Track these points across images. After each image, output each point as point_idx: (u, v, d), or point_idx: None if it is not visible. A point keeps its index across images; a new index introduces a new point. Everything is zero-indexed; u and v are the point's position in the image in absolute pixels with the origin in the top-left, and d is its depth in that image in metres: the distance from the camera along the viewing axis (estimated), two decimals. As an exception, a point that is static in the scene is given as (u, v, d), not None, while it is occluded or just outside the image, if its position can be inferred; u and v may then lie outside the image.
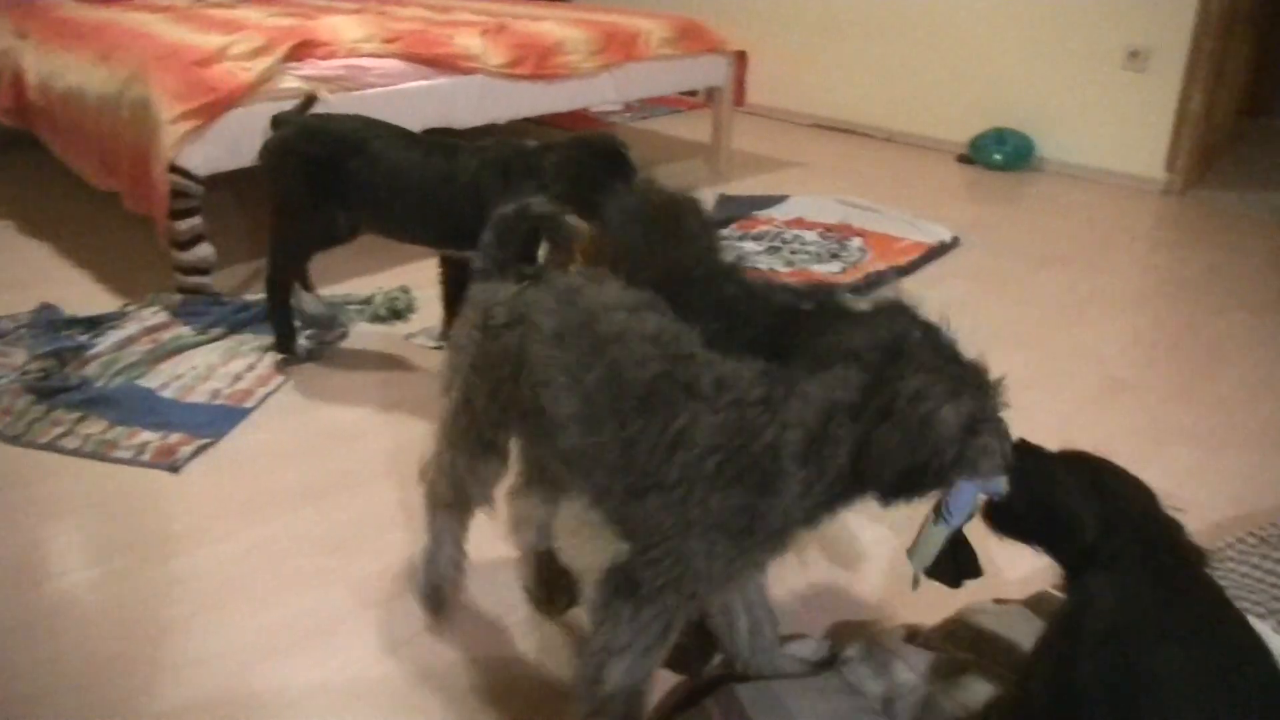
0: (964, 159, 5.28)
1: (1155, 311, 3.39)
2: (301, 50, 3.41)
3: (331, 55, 3.48)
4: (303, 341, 2.92)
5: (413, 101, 3.65)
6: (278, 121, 2.71)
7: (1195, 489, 2.35)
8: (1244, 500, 2.31)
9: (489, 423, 1.63)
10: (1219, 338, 3.18)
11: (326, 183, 2.61)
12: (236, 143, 3.15)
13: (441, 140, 2.65)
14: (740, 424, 1.30)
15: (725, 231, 3.96)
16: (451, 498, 1.75)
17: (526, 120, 4.25)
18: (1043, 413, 2.69)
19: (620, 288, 1.58)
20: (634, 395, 1.39)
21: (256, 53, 3.29)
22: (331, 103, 3.33)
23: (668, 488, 1.34)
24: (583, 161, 2.46)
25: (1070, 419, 2.67)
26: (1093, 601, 1.20)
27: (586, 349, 1.46)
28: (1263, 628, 1.60)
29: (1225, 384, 2.88)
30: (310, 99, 2.97)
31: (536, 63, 3.96)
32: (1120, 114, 4.85)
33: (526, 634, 1.85)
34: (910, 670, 1.59)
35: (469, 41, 3.81)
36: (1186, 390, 2.84)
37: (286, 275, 2.79)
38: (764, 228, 4.01)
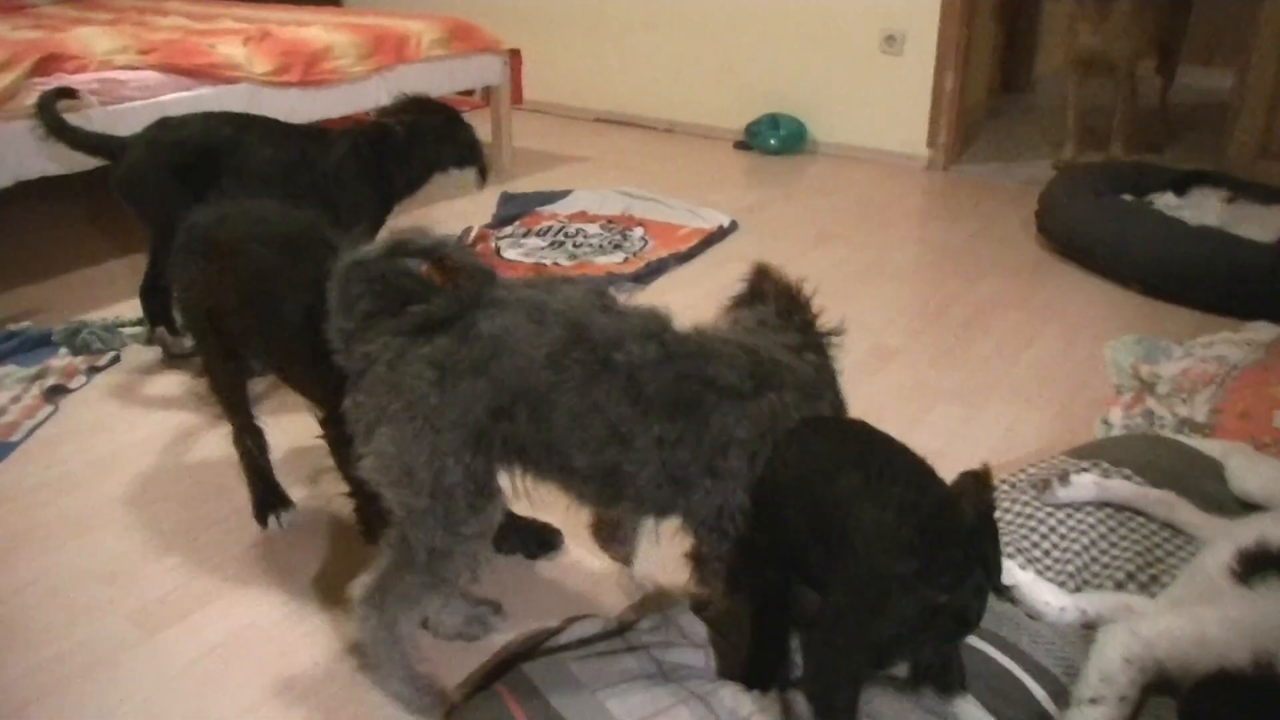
0: (741, 145, 5.43)
1: (921, 281, 3.58)
2: (49, 64, 3.24)
3: (82, 69, 3.32)
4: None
5: (175, 114, 3.51)
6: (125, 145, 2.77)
7: (960, 443, 2.50)
8: (1004, 451, 2.46)
9: (476, 477, 1.47)
10: (979, 302, 3.38)
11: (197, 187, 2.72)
12: (-18, 161, 2.98)
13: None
14: (776, 409, 1.48)
15: (510, 229, 3.97)
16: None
17: (300, 127, 4.17)
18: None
19: (572, 285, 1.54)
20: (661, 401, 1.43)
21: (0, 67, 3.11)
22: (93, 118, 3.18)
23: (722, 475, 1.47)
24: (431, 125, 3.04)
25: (844, 386, 2.79)
26: (784, 459, 1.46)
27: (590, 365, 1.44)
28: (1009, 565, 1.72)
29: (985, 345, 3.06)
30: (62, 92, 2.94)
31: (304, 69, 3.88)
32: (883, 95, 5.09)
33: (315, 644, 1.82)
34: (689, 632, 1.65)
35: (231, 50, 3.70)
36: (951, 353, 3.01)
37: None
38: (547, 223, 4.04)
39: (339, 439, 1.66)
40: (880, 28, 4.97)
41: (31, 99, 3.10)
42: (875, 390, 2.77)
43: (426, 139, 3.06)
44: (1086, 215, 3.64)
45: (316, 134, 2.93)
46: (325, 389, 1.70)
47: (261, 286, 1.81)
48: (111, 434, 2.52)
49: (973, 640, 1.57)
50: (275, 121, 2.92)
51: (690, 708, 1.47)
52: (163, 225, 2.71)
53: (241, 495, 2.22)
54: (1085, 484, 1.95)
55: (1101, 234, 3.54)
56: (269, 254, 1.81)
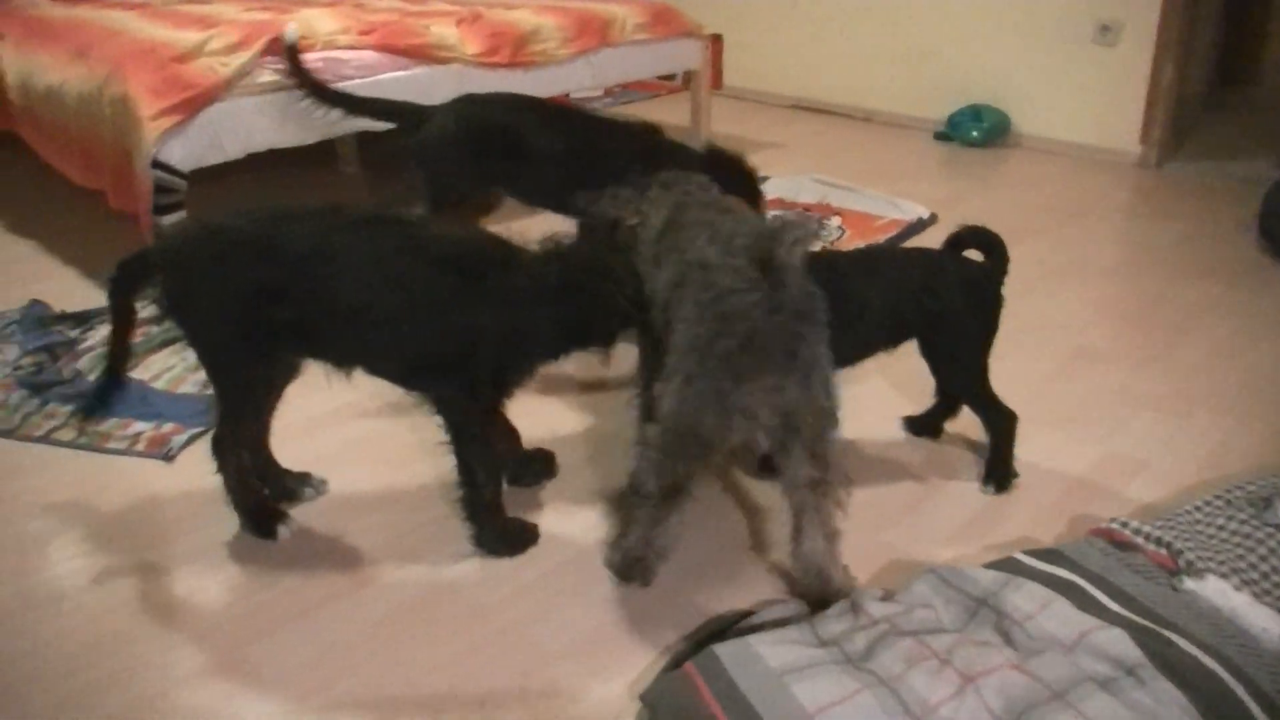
0: (941, 136, 5.32)
1: (1126, 281, 3.45)
2: (277, 45, 3.43)
3: (308, 49, 3.51)
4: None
5: (391, 93, 3.66)
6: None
7: (1165, 454, 2.41)
8: (1213, 466, 2.36)
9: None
10: (1189, 307, 3.24)
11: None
12: (217, 137, 3.20)
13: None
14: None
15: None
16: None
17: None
18: (1015, 381, 2.74)
19: None
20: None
21: (233, 48, 3.32)
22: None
23: None
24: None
25: (1042, 388, 2.73)
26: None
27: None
28: (1224, 586, 1.67)
29: (1196, 352, 2.94)
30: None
31: (512, 51, 4.00)
32: (1093, 88, 4.90)
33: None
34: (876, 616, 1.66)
35: (444, 31, 3.84)
36: (1157, 358, 2.90)
37: None
38: (743, 209, 4.05)
39: (465, 428, 1.90)
40: (1094, 16, 4.79)
41: (263, 77, 3.31)
42: (1077, 393, 2.70)
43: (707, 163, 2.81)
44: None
45: (607, 128, 2.91)
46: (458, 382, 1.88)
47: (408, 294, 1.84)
48: (334, 390, 2.67)
49: (1198, 653, 1.54)
50: (576, 111, 2.96)
51: (876, 694, 1.48)
52: (444, 196, 2.85)
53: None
54: None
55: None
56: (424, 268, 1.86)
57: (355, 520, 2.17)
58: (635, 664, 1.76)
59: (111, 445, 2.43)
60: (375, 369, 1.94)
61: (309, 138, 3.48)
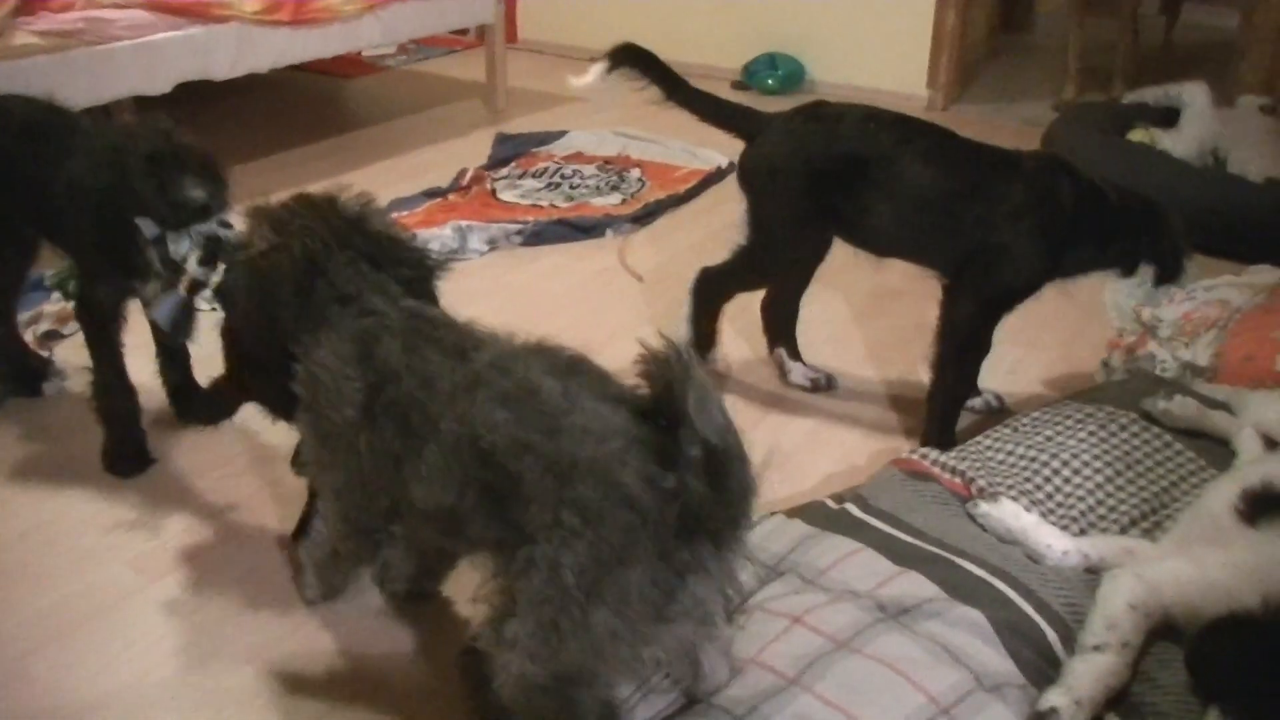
0: (739, 85, 5.35)
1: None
2: (34, 3, 3.18)
3: (68, 7, 3.26)
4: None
5: (165, 54, 3.45)
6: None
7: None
8: (1005, 394, 2.50)
9: None
10: (979, 243, 3.35)
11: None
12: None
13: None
14: None
15: (506, 171, 3.92)
16: None
17: (293, 69, 4.08)
18: (820, 320, 2.79)
19: None
20: None
21: (-23, 7, 3.05)
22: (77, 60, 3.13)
23: None
24: None
25: (850, 324, 2.78)
26: None
27: None
28: (1016, 508, 1.72)
29: (985, 286, 3.04)
30: None
31: (295, 8, 3.80)
32: (883, 34, 5.01)
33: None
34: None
35: (222, -13, 3.63)
36: (950, 294, 2.98)
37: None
38: (543, 164, 3.99)
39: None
40: (881, -36, 4.89)
41: (19, 40, 3.06)
42: (879, 330, 2.76)
43: (1121, 224, 2.23)
44: (1088, 156, 3.56)
45: (999, 160, 2.25)
46: None
47: None
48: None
49: (989, 576, 1.57)
50: (949, 136, 2.28)
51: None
52: (772, 235, 2.36)
53: (248, 439, 2.20)
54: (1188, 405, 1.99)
55: (1103, 175, 3.49)
56: None
57: None
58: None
59: None
60: None
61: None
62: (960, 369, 2.28)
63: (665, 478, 1.17)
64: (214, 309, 1.74)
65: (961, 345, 2.25)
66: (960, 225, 2.18)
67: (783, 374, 2.58)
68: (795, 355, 2.58)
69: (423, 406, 1.34)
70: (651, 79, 2.52)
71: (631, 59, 2.56)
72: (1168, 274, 2.23)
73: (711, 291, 2.47)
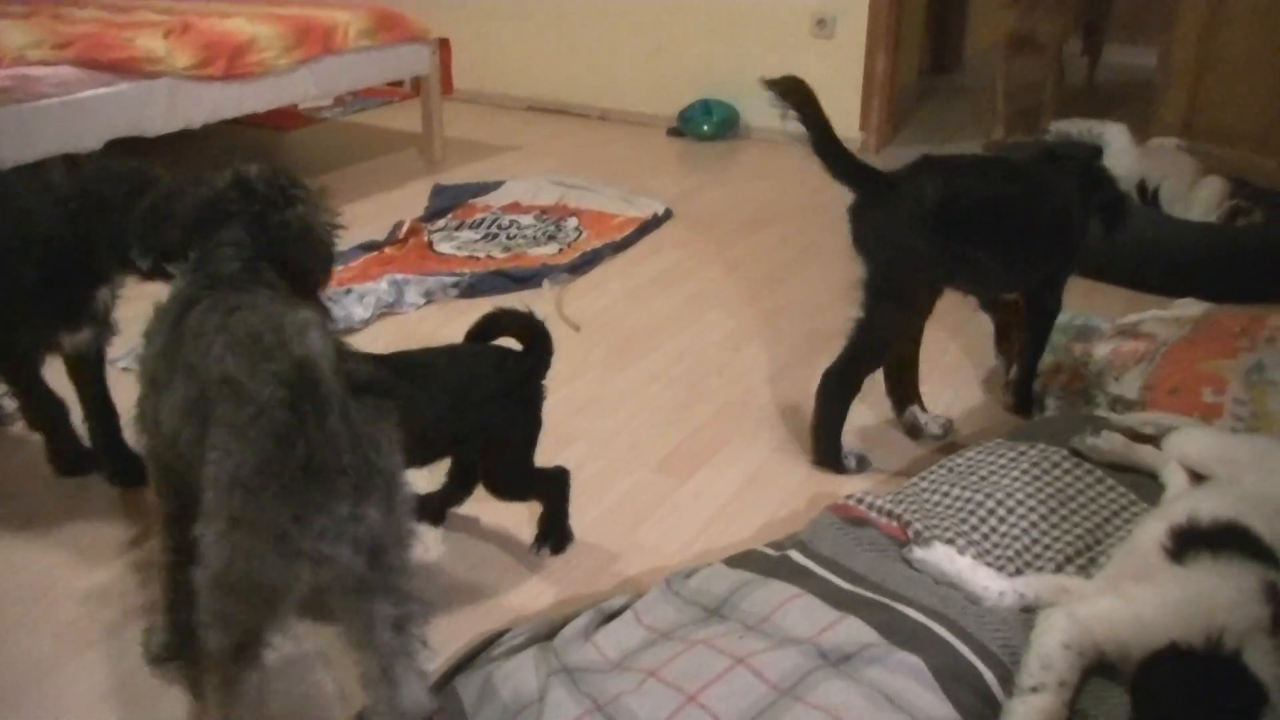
0: (674, 132, 5.40)
1: (858, 264, 3.58)
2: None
3: (-6, 65, 3.23)
4: None
5: (94, 111, 3.42)
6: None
7: (897, 430, 2.53)
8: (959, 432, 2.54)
9: None
10: (913, 283, 3.39)
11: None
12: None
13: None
14: None
15: (443, 222, 3.91)
16: None
17: (227, 122, 4.06)
18: (757, 368, 2.80)
19: None
20: None
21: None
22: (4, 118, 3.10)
23: None
24: None
25: (781, 373, 2.80)
26: None
27: None
28: (950, 551, 1.73)
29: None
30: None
31: (228, 62, 3.78)
32: (814, 79, 4.96)
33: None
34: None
35: (151, 44, 3.60)
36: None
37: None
38: (480, 214, 3.99)
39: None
40: (811, 11, 4.97)
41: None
42: (812, 374, 2.76)
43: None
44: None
45: (1043, 164, 2.45)
46: None
47: None
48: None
49: (927, 621, 1.57)
50: (1011, 162, 2.46)
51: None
52: (902, 298, 2.32)
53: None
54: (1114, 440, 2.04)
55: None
56: None
57: None
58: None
59: None
60: None
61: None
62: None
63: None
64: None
65: (1050, 325, 2.53)
66: (1054, 235, 2.34)
67: (915, 432, 2.52)
68: (924, 409, 2.53)
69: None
70: (806, 124, 2.42)
71: (799, 100, 2.45)
72: (1112, 223, 2.46)
73: (846, 390, 2.34)
